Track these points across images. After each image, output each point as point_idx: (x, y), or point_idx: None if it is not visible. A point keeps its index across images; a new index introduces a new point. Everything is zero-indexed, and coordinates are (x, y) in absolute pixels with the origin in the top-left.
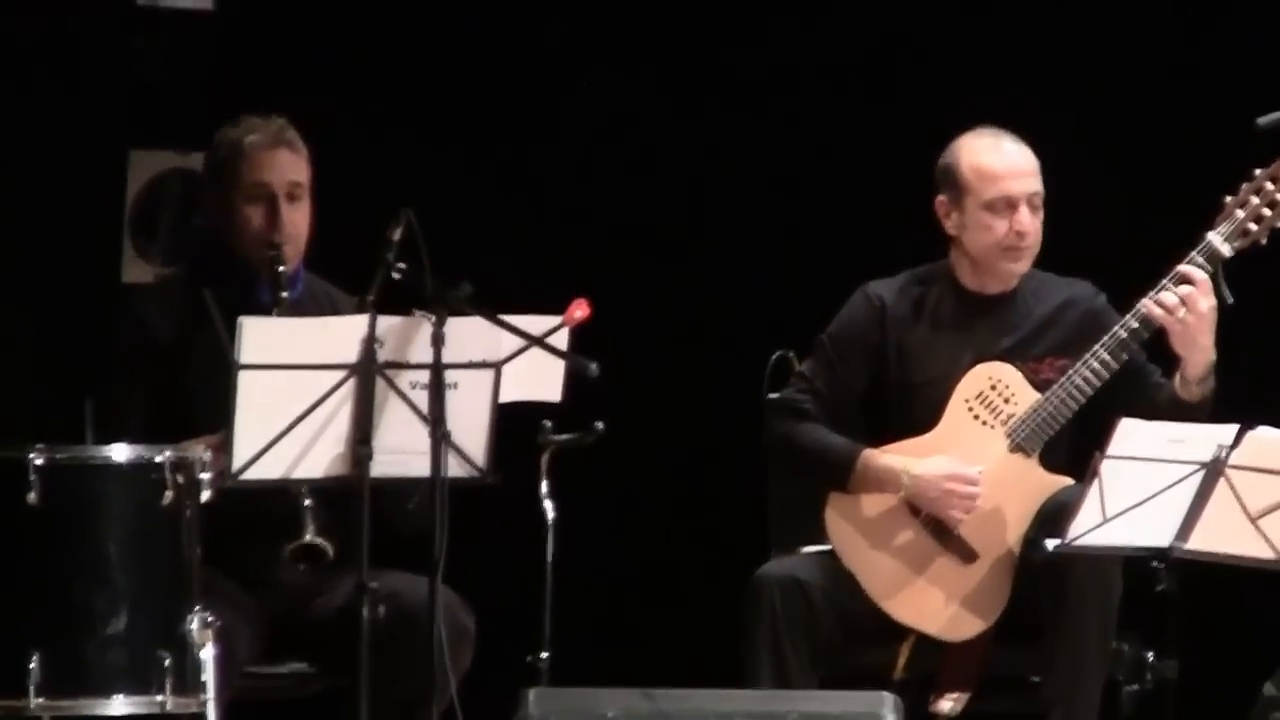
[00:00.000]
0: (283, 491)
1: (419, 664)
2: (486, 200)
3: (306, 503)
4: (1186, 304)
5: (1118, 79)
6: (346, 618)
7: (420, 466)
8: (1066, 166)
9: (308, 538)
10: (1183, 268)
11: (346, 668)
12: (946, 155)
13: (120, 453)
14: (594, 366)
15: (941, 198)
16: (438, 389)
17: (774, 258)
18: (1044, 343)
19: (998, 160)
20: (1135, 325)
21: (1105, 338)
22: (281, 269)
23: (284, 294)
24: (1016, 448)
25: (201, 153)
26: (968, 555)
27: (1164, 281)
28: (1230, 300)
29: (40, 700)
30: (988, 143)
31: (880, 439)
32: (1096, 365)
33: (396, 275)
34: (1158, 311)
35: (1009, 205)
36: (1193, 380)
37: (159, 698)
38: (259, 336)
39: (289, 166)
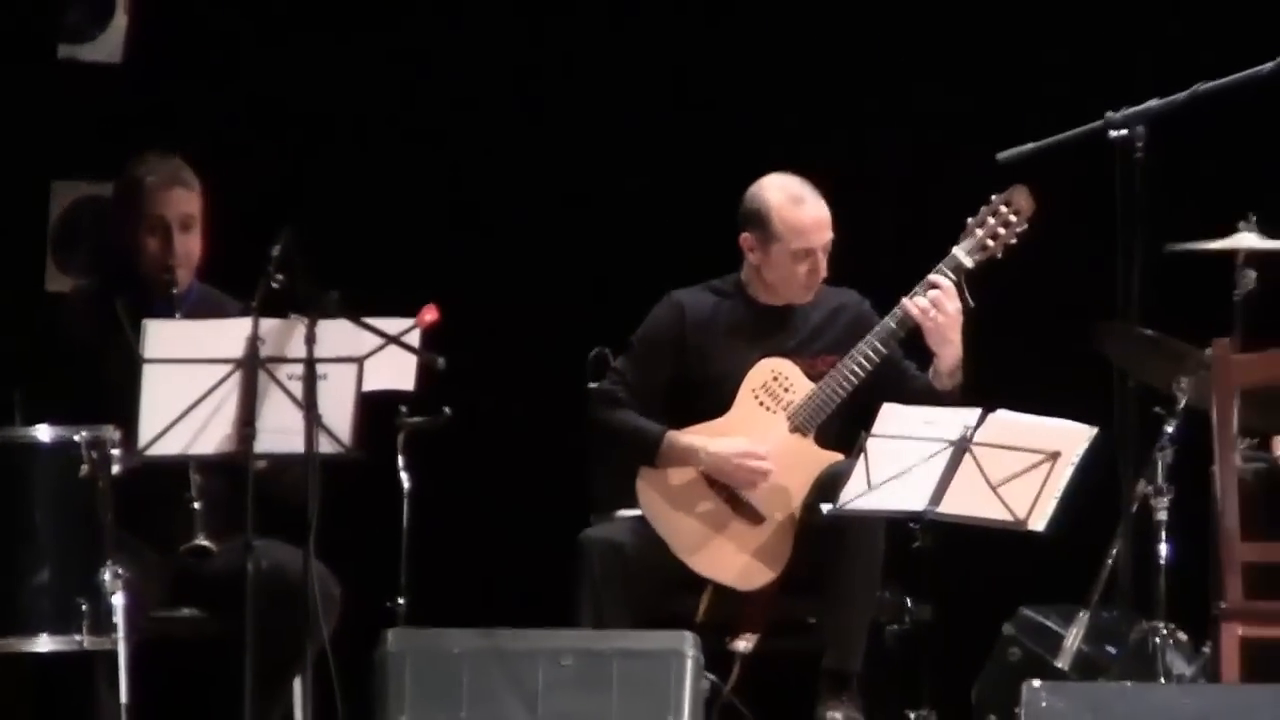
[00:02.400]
0: (178, 473)
1: (297, 623)
2: (353, 220)
3: (196, 506)
4: (936, 306)
5: (893, 122)
6: (235, 571)
7: (296, 444)
8: (841, 194)
9: (197, 540)
10: (932, 276)
11: (235, 614)
12: (755, 200)
13: (43, 433)
14: (441, 361)
15: (748, 235)
16: (310, 380)
17: (591, 267)
18: (819, 342)
19: (805, 216)
20: (893, 324)
21: (869, 334)
22: (175, 290)
23: (177, 314)
24: (796, 429)
25: (112, 182)
26: (756, 518)
27: (916, 288)
28: (972, 305)
29: None
30: (795, 194)
31: (682, 422)
32: (861, 359)
33: (276, 285)
34: (914, 310)
35: (809, 253)
36: (945, 373)
37: (77, 637)
38: (160, 336)
39: (182, 201)
